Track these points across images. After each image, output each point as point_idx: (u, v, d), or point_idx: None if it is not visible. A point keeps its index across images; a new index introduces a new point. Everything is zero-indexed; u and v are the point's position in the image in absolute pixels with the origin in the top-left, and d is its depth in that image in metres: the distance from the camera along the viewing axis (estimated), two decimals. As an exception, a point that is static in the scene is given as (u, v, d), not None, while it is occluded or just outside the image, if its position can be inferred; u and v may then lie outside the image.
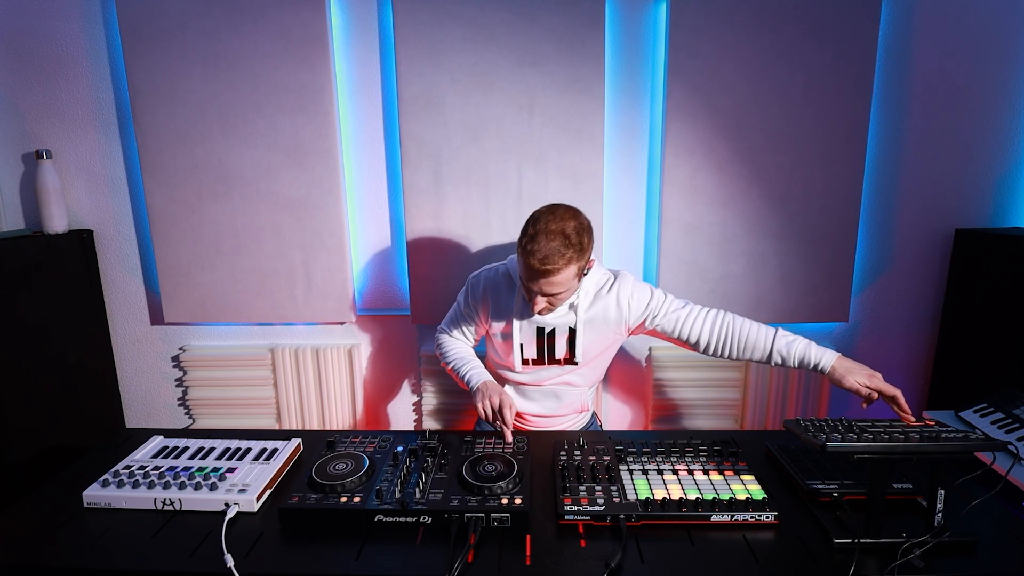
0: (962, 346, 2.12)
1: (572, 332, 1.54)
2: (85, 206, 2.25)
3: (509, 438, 1.39)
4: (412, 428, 2.44)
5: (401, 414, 2.44)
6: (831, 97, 2.01)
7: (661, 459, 1.31)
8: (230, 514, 1.14)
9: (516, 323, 1.55)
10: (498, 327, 1.59)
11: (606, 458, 1.32)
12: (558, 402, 1.66)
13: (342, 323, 2.31)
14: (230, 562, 1.02)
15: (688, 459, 1.31)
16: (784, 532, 1.11)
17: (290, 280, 2.19)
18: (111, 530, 1.14)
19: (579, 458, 1.32)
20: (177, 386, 2.44)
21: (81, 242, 2.22)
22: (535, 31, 1.98)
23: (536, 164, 2.07)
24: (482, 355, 1.75)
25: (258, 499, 1.20)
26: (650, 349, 2.31)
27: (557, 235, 1.32)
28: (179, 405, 2.46)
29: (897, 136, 2.11)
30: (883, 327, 2.28)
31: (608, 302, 1.52)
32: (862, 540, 1.05)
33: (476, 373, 1.58)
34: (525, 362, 1.59)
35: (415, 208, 2.12)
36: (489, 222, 2.11)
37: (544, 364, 1.59)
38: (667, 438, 1.38)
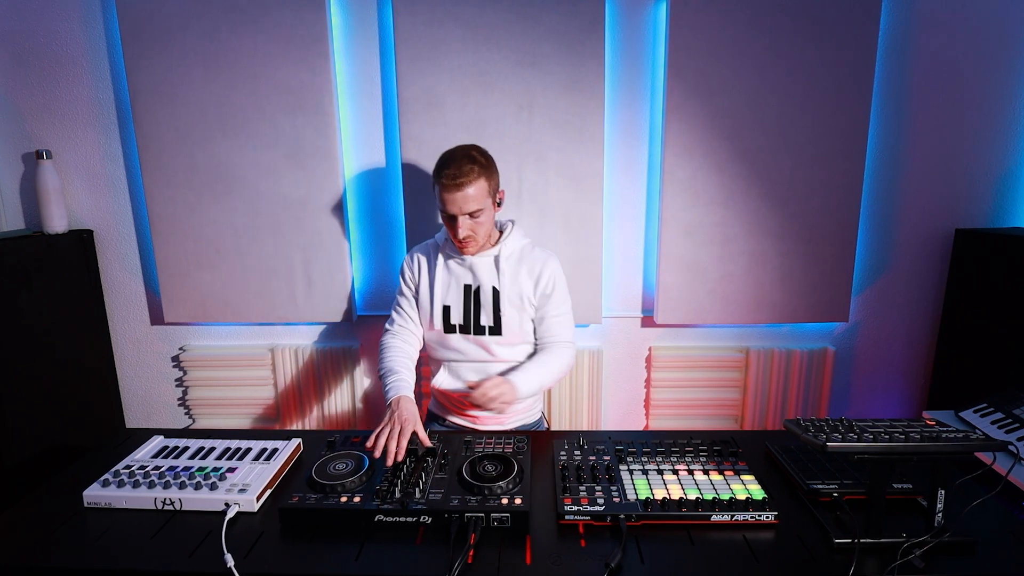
0: (962, 346, 2.12)
1: (496, 293, 1.60)
2: (85, 206, 2.25)
3: (398, 457, 1.27)
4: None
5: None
6: (831, 97, 2.01)
7: (661, 459, 1.31)
8: (230, 514, 1.14)
9: (440, 277, 1.62)
10: (426, 288, 1.65)
11: (606, 458, 1.32)
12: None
13: (342, 323, 2.31)
14: (230, 562, 1.02)
15: (688, 459, 1.31)
16: (784, 532, 1.11)
17: (290, 280, 2.19)
18: (111, 530, 1.14)
19: (579, 458, 1.32)
20: (177, 386, 2.44)
21: (81, 242, 2.22)
22: (535, 31, 1.98)
23: (536, 164, 2.07)
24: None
25: (258, 499, 1.20)
26: (650, 349, 2.31)
27: (463, 156, 1.49)
28: (179, 405, 2.46)
29: (897, 136, 2.11)
30: (883, 327, 2.28)
31: (531, 266, 1.62)
32: (862, 540, 1.05)
33: (395, 386, 1.49)
34: (452, 328, 1.63)
35: (415, 208, 2.12)
36: (489, 222, 2.11)
37: (471, 333, 1.63)
38: (667, 438, 1.38)
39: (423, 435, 1.35)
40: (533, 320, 1.66)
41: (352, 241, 2.23)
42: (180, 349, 2.37)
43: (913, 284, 2.24)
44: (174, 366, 2.42)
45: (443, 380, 1.69)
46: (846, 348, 2.30)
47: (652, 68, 2.09)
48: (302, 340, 2.35)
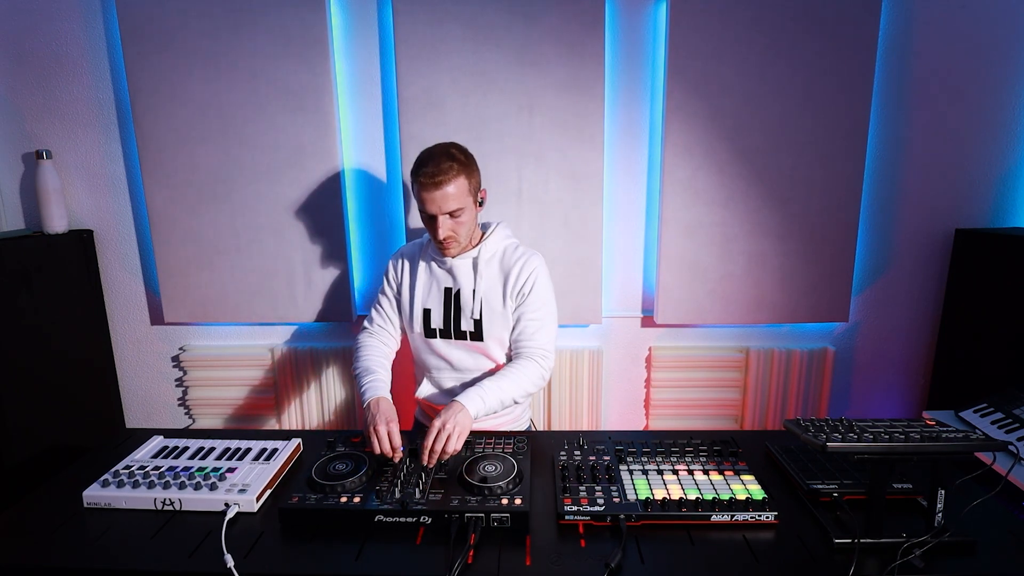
0: (962, 346, 2.12)
1: (475, 297, 1.55)
2: (85, 206, 2.25)
3: (398, 458, 1.30)
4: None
5: (401, 414, 2.43)
6: (831, 97, 2.01)
7: (661, 459, 1.31)
8: (230, 514, 1.14)
9: (421, 279, 1.59)
10: (407, 290, 1.62)
11: (606, 458, 1.32)
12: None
13: (342, 323, 2.31)
14: (230, 562, 1.02)
15: (688, 459, 1.31)
16: (784, 532, 1.11)
17: (290, 280, 2.19)
18: (111, 530, 1.14)
19: (579, 458, 1.32)
20: (177, 386, 2.44)
21: (81, 242, 2.22)
22: (535, 31, 1.98)
23: (536, 164, 2.07)
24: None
25: (258, 499, 1.20)
26: (650, 349, 2.31)
27: (441, 154, 1.44)
28: (179, 405, 2.46)
29: (897, 136, 2.11)
30: (883, 327, 2.28)
31: (510, 266, 1.56)
32: (862, 540, 1.05)
33: (372, 387, 1.48)
34: (432, 333, 1.59)
35: (414, 208, 2.12)
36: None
37: (452, 338, 1.59)
38: (667, 438, 1.38)
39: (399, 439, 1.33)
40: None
41: (352, 241, 2.23)
42: (180, 349, 2.37)
43: (913, 284, 2.24)
44: (174, 366, 2.42)
45: (425, 390, 1.68)
46: (846, 348, 2.30)
47: (652, 68, 2.09)
48: (302, 340, 2.35)
